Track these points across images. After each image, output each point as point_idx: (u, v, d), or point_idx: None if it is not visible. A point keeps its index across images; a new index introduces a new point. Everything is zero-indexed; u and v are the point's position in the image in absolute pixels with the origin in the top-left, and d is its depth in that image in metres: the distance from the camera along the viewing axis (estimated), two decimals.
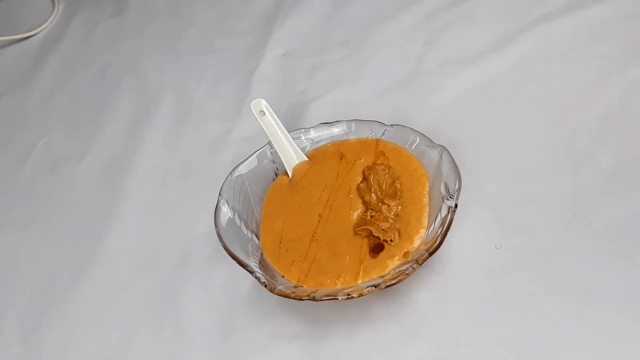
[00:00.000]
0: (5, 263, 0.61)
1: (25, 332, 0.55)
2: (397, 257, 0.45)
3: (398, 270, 0.44)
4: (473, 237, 0.48)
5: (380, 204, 0.48)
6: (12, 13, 0.90)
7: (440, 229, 0.44)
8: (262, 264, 0.47)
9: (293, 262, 0.47)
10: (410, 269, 0.42)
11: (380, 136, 0.53)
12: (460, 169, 0.46)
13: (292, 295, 0.43)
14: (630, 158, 0.49)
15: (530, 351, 0.42)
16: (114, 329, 0.53)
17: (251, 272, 0.45)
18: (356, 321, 0.47)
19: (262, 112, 0.54)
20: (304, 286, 0.46)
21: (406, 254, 0.45)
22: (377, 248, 0.46)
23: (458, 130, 0.55)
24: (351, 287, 0.44)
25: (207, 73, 0.71)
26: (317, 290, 0.45)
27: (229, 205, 0.50)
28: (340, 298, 0.42)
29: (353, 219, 0.48)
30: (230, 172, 0.52)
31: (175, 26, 0.78)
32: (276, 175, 0.54)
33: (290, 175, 0.53)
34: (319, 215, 0.49)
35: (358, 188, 0.50)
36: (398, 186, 0.49)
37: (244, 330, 0.49)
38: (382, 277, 0.44)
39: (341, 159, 0.52)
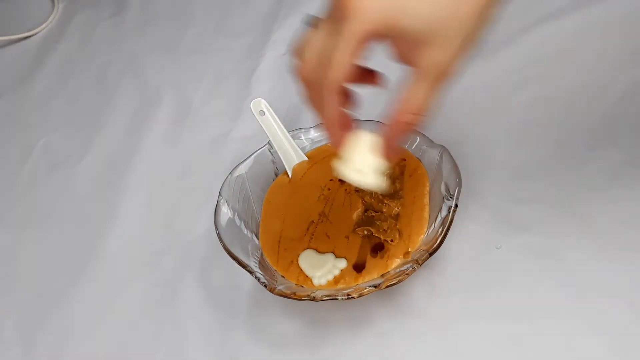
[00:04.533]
0: (5, 263, 0.61)
1: (24, 332, 0.55)
2: (397, 257, 0.45)
3: (398, 270, 0.44)
4: (473, 237, 0.48)
5: (380, 204, 0.48)
6: (12, 13, 0.90)
7: (441, 229, 0.44)
8: (262, 264, 0.47)
9: (292, 262, 0.47)
10: (411, 269, 0.42)
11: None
12: (460, 169, 0.46)
13: (292, 295, 0.43)
14: (631, 158, 0.49)
15: (530, 351, 0.42)
16: (113, 329, 0.53)
17: (251, 272, 0.45)
18: (356, 321, 0.47)
19: (262, 112, 0.54)
20: (304, 286, 0.46)
21: (406, 254, 0.45)
22: (377, 248, 0.46)
23: (458, 130, 0.55)
24: (351, 287, 0.44)
25: (207, 73, 0.71)
26: (317, 290, 0.45)
27: (229, 205, 0.50)
28: (340, 298, 0.42)
29: (353, 218, 0.48)
30: (230, 172, 0.52)
31: (175, 26, 0.78)
32: (276, 175, 0.54)
33: (290, 175, 0.53)
34: (319, 214, 0.49)
35: (358, 188, 0.50)
36: (398, 186, 0.49)
37: (244, 330, 0.49)
38: (383, 277, 0.44)
39: None
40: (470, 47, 0.31)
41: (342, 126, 0.35)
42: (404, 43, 0.30)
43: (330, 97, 0.33)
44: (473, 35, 0.30)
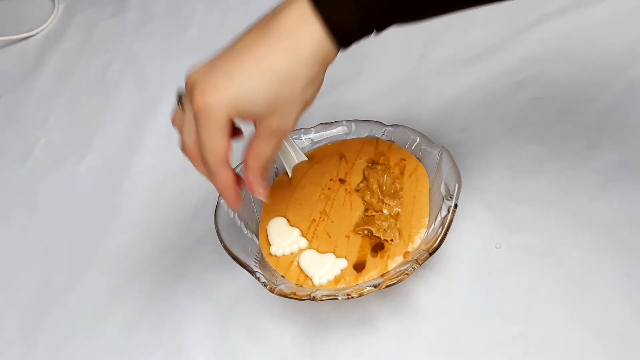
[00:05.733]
0: (5, 263, 0.61)
1: (25, 331, 0.55)
2: (397, 257, 0.45)
3: (398, 270, 0.44)
4: (473, 237, 0.48)
5: (380, 203, 0.48)
6: (12, 13, 0.90)
7: (440, 229, 0.44)
8: (262, 264, 0.47)
9: (292, 261, 0.47)
10: (410, 268, 0.42)
11: (380, 136, 0.53)
12: (460, 169, 0.46)
13: (292, 295, 0.43)
14: (630, 158, 0.49)
15: (530, 351, 0.42)
16: (113, 329, 0.53)
17: (251, 272, 0.45)
18: (356, 321, 0.47)
19: None
20: (304, 286, 0.46)
21: (406, 253, 0.45)
22: (377, 248, 0.46)
23: (458, 130, 0.55)
24: (351, 287, 0.44)
25: None
26: (317, 290, 0.45)
27: None
28: (340, 298, 0.42)
29: (353, 218, 0.48)
30: None
31: (175, 26, 0.78)
32: (276, 175, 0.54)
33: (290, 175, 0.53)
34: (319, 214, 0.49)
35: (358, 188, 0.50)
36: (398, 186, 0.49)
37: (244, 330, 0.49)
38: (382, 276, 0.44)
39: (341, 159, 0.52)
40: (305, 107, 0.40)
41: (235, 187, 0.42)
42: (251, 117, 0.38)
43: (219, 172, 0.40)
44: (303, 100, 0.39)
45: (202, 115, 0.38)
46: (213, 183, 0.41)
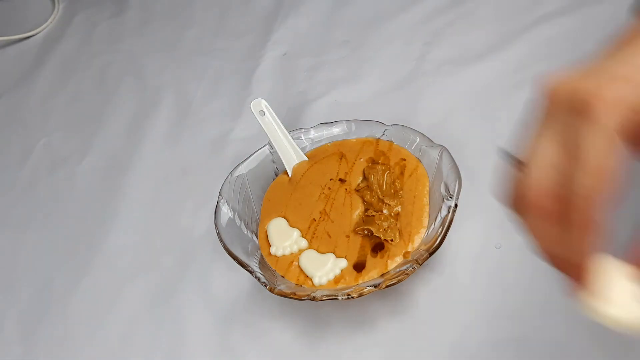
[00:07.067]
0: (5, 263, 0.61)
1: (25, 331, 0.55)
2: (397, 257, 0.45)
3: (398, 270, 0.44)
4: (473, 237, 0.48)
5: (380, 203, 0.48)
6: (12, 13, 0.90)
7: (441, 229, 0.44)
8: (262, 263, 0.47)
9: (292, 262, 0.47)
10: (411, 268, 0.42)
11: (380, 136, 0.53)
12: (460, 169, 0.46)
13: (292, 295, 0.43)
14: (629, 157, 0.49)
15: (530, 351, 0.42)
16: (113, 329, 0.53)
17: (251, 272, 0.45)
18: (356, 321, 0.47)
19: (262, 112, 0.54)
20: (304, 286, 0.46)
21: (406, 253, 0.45)
22: (377, 248, 0.46)
23: (458, 130, 0.55)
24: (351, 287, 0.44)
25: (207, 73, 0.71)
26: (317, 290, 0.45)
27: (229, 205, 0.50)
28: (340, 298, 0.42)
29: (353, 218, 0.48)
30: (230, 172, 0.52)
31: (175, 26, 0.78)
32: (276, 175, 0.54)
33: (290, 175, 0.53)
34: (319, 214, 0.49)
35: (358, 188, 0.50)
36: (398, 186, 0.49)
37: (244, 330, 0.49)
38: (382, 276, 0.44)
39: (341, 158, 0.52)
40: None
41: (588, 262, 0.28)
42: None
43: (586, 219, 0.27)
44: None
45: (593, 113, 0.27)
46: (560, 249, 0.29)
